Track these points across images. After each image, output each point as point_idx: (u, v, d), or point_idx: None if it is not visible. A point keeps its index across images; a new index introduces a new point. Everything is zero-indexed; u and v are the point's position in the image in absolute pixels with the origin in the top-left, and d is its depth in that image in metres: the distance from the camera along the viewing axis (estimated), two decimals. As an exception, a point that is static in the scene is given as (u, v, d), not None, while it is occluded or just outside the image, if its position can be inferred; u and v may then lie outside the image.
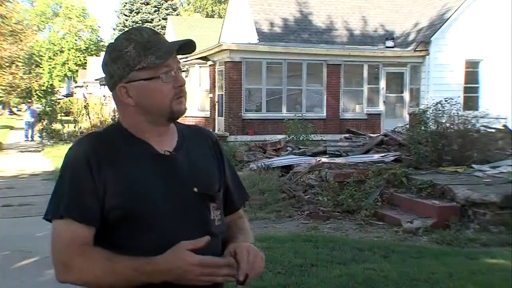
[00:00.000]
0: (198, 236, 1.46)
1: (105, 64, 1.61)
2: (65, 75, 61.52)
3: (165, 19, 44.60)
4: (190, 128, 1.76)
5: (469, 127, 9.65)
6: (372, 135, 14.45)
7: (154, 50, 1.55)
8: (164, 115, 1.59)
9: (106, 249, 1.47)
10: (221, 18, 33.79)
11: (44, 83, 54.68)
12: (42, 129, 24.42)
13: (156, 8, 48.74)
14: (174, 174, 1.58)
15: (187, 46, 1.61)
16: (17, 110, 64.93)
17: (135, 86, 1.56)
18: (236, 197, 1.79)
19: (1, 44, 24.82)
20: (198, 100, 19.64)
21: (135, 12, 48.91)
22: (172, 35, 31.52)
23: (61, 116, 30.91)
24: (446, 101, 9.82)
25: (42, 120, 25.43)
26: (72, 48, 60.42)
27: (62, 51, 60.36)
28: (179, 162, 1.60)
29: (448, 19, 17.84)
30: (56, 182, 1.57)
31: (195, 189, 1.58)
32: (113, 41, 1.65)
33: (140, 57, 1.54)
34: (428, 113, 10.03)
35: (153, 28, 1.66)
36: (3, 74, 28.24)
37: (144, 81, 1.55)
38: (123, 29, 49.47)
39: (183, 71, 1.76)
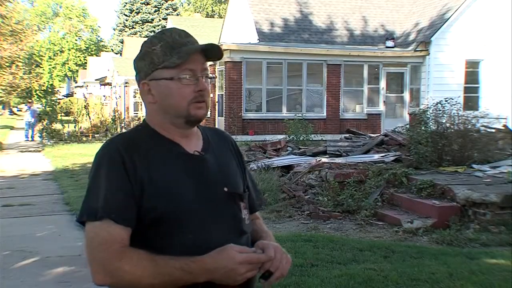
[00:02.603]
0: (232, 235, 1.53)
1: (135, 60, 1.65)
2: (65, 75, 61.58)
3: (165, 19, 44.63)
4: (212, 130, 1.79)
5: (469, 127, 9.65)
6: (372, 135, 14.45)
7: (178, 50, 1.57)
8: (181, 117, 1.59)
9: (140, 249, 1.47)
10: (221, 18, 33.80)
11: (44, 83, 54.72)
12: (42, 129, 24.43)
13: (156, 8, 48.73)
14: (205, 174, 1.59)
15: (213, 52, 1.60)
16: (17, 110, 64.98)
17: (157, 84, 1.59)
18: (255, 199, 1.82)
19: (1, 44, 24.81)
20: (198, 100, 19.64)
21: (135, 12, 48.91)
22: (172, 35, 31.49)
23: (61, 116, 30.92)
24: (446, 101, 9.82)
25: (42, 120, 25.43)
26: (72, 48, 60.50)
27: (62, 51, 60.44)
28: (208, 163, 1.62)
29: (448, 19, 17.84)
30: (90, 184, 1.52)
31: (225, 189, 1.60)
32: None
33: (165, 56, 1.57)
34: (428, 113, 10.02)
35: (186, 31, 1.66)
36: (3, 74, 28.23)
37: (165, 80, 1.57)
38: (123, 29, 49.59)
39: (211, 77, 1.65)
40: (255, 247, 1.53)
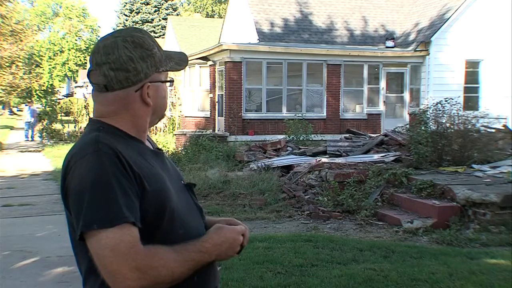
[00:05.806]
0: (201, 223, 1.62)
1: (130, 59, 1.52)
2: (65, 75, 61.57)
3: (165, 19, 44.61)
4: None
5: (469, 127, 9.65)
6: (372, 135, 14.45)
7: (168, 55, 1.63)
8: (162, 117, 1.68)
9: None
10: (221, 18, 33.80)
11: (44, 83, 54.66)
12: (42, 129, 24.42)
13: (156, 8, 48.73)
14: (169, 169, 1.64)
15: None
16: (18, 110, 64.96)
17: (155, 86, 1.60)
18: None
19: (1, 44, 24.80)
20: (198, 100, 19.64)
21: (135, 12, 48.89)
22: (172, 35, 31.49)
23: (61, 116, 30.91)
24: (446, 101, 9.82)
25: (42, 120, 25.43)
26: (72, 48, 60.47)
27: (62, 51, 60.41)
28: (166, 158, 1.68)
29: (448, 19, 17.84)
30: (94, 189, 1.40)
31: (182, 181, 1.67)
32: (129, 36, 1.56)
33: (164, 60, 1.61)
34: (428, 113, 10.03)
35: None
36: (3, 74, 28.21)
37: (161, 83, 1.62)
38: (123, 29, 49.49)
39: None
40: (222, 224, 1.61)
